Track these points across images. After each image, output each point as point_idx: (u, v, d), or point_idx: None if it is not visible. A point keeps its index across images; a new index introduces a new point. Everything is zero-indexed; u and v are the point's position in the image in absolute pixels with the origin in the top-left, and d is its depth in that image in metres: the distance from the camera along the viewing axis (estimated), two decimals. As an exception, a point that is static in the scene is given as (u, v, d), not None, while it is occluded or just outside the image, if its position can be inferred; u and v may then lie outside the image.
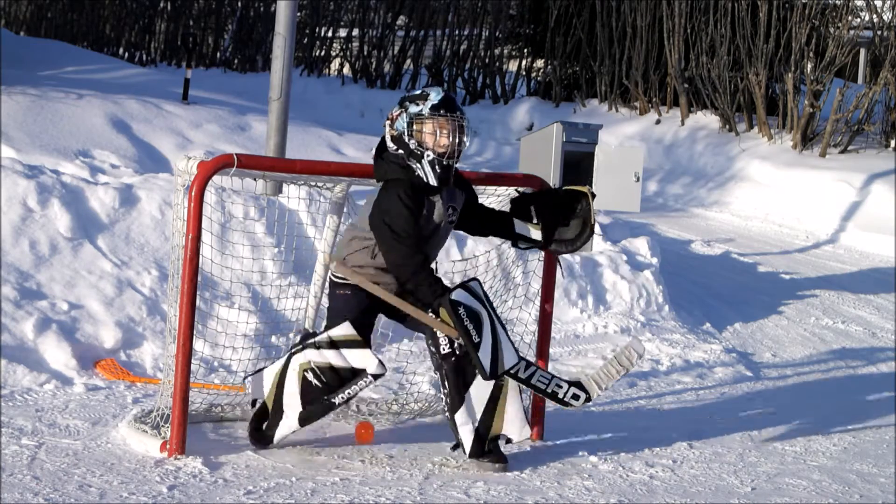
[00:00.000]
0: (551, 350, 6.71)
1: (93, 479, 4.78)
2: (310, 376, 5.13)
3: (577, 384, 5.33)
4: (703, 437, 6.10)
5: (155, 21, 25.34)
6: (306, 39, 22.35)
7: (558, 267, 5.96)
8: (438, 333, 5.20)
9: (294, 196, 7.19)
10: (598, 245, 9.25)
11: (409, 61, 21.09)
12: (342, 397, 5.13)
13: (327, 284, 5.47)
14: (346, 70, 22.19)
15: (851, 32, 15.27)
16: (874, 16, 16.02)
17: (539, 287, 6.05)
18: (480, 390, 5.26)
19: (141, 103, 11.79)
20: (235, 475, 4.95)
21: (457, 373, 5.23)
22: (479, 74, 19.99)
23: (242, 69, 22.94)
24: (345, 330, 5.15)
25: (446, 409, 5.29)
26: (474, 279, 5.24)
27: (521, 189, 5.77)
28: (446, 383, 5.26)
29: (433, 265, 5.34)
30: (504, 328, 5.20)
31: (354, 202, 6.16)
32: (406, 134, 5.14)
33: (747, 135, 15.54)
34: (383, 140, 5.28)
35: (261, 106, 12.69)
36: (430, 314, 5.17)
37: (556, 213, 5.48)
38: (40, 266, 7.00)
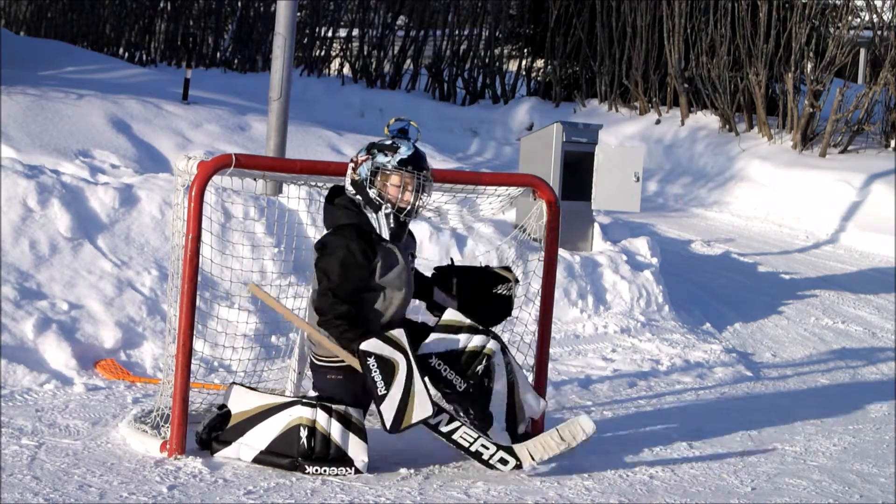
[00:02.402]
0: (551, 350, 6.71)
1: (93, 479, 4.78)
2: (302, 433, 5.02)
3: (508, 449, 5.16)
4: (703, 437, 6.10)
5: (155, 21, 25.34)
6: (306, 39, 22.35)
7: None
8: (449, 375, 5.14)
9: (294, 196, 7.19)
10: (598, 245, 9.26)
11: (409, 61, 21.08)
12: (316, 471, 5.00)
13: (310, 363, 5.35)
14: (346, 70, 22.19)
15: (851, 32, 15.27)
16: (874, 16, 16.02)
17: (539, 287, 6.05)
18: (500, 391, 5.27)
19: (141, 103, 11.79)
20: (235, 475, 4.95)
21: (478, 398, 5.22)
22: (479, 74, 19.99)
23: (242, 69, 22.93)
24: (359, 416, 5.12)
25: (474, 437, 5.18)
26: (400, 329, 5.08)
27: (452, 257, 5.73)
28: (471, 410, 5.25)
29: (406, 311, 5.32)
30: (424, 378, 5.03)
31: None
32: (367, 182, 5.12)
33: (747, 135, 15.54)
34: (335, 187, 5.28)
35: (261, 106, 12.69)
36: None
37: (476, 291, 5.47)
38: (40, 266, 7.01)
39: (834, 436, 6.37)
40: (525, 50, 20.07)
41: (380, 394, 4.96)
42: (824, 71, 14.88)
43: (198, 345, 5.64)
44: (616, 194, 9.31)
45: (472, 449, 5.12)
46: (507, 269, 5.62)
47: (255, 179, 5.75)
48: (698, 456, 5.76)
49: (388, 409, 4.97)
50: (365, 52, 21.54)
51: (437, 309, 5.47)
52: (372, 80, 21.06)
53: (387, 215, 5.13)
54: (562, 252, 8.50)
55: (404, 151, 5.12)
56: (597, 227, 9.38)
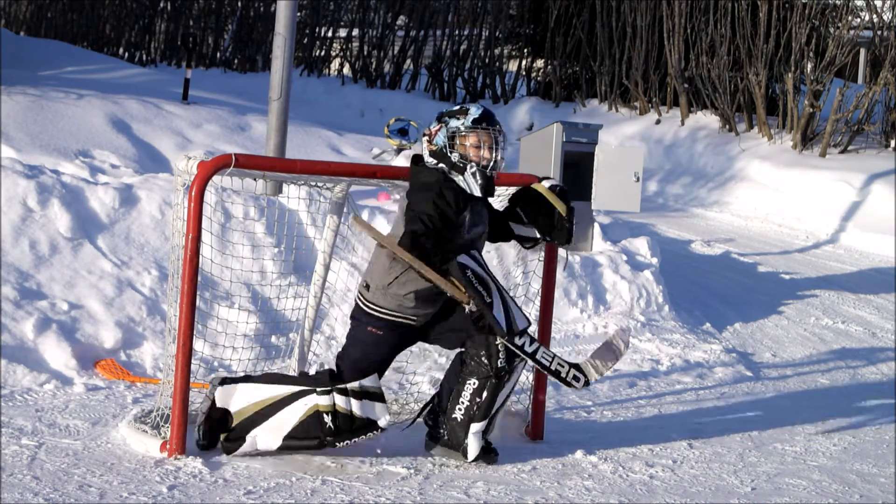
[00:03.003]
0: (551, 350, 6.70)
1: (93, 479, 4.78)
2: (326, 419, 5.10)
3: (577, 367, 5.36)
4: (703, 437, 6.10)
5: (155, 21, 25.36)
6: (306, 39, 22.36)
7: (562, 262, 6.02)
8: (500, 348, 5.19)
9: (294, 196, 7.19)
10: (598, 245, 9.25)
11: (409, 61, 21.09)
12: (346, 444, 5.14)
13: (355, 309, 5.34)
14: (346, 70, 22.19)
15: (851, 32, 15.28)
16: (874, 16, 16.02)
17: (539, 287, 6.05)
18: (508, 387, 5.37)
19: (141, 103, 11.79)
20: (235, 475, 4.95)
21: (497, 390, 5.27)
22: (479, 74, 20.00)
23: (242, 69, 22.95)
24: (373, 382, 5.17)
25: (462, 414, 5.28)
26: (474, 249, 5.21)
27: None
28: (484, 394, 5.26)
29: None
30: (510, 296, 5.23)
31: (354, 202, 6.16)
32: (447, 147, 5.22)
33: (747, 135, 15.54)
34: (417, 156, 5.34)
35: (261, 106, 12.69)
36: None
37: (544, 211, 5.51)
38: (40, 266, 7.00)
39: (834, 436, 6.37)
40: (525, 50, 20.08)
41: (487, 301, 5.09)
42: (824, 71, 14.88)
43: (198, 345, 5.64)
44: (616, 194, 9.30)
45: (552, 367, 5.30)
46: (540, 180, 5.61)
47: (255, 179, 5.75)
48: (698, 456, 5.76)
49: (499, 312, 5.12)
50: (365, 52, 21.54)
51: (526, 241, 5.61)
52: (372, 80, 21.06)
53: (473, 174, 5.22)
54: (561, 252, 8.48)
55: (475, 111, 5.27)
56: (597, 227, 9.37)
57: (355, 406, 5.12)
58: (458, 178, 5.21)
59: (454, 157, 5.21)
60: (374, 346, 5.23)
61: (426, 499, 4.85)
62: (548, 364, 5.29)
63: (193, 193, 5.10)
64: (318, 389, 5.15)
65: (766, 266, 11.10)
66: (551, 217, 5.49)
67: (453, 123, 5.24)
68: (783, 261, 11.58)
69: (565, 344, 8.00)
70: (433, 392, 6.42)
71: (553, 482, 5.15)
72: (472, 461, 5.29)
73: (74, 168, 9.59)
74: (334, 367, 5.31)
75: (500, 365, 5.22)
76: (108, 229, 7.49)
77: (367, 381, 5.16)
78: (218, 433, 5.21)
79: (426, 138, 5.29)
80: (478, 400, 5.27)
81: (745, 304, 9.58)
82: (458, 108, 5.31)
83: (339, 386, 5.14)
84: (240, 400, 5.20)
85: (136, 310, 6.96)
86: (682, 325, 8.70)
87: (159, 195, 7.80)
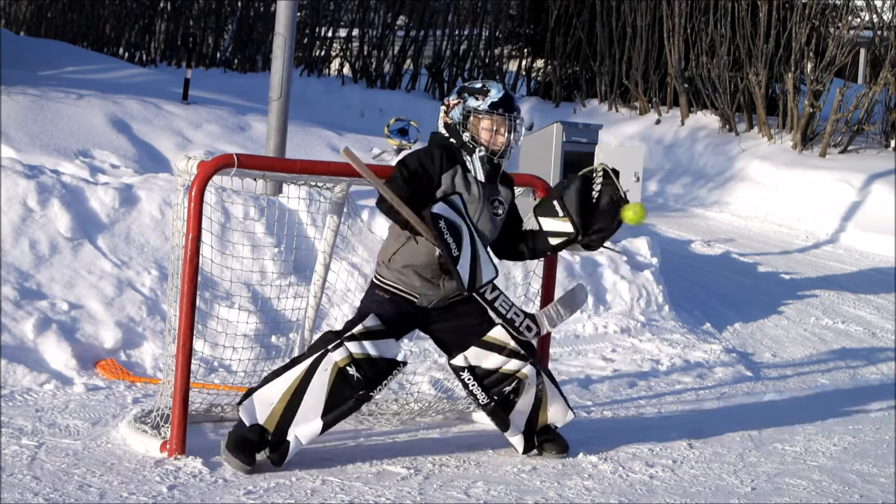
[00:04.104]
0: (551, 350, 6.71)
1: (93, 479, 4.78)
2: (351, 371, 5.02)
3: (532, 317, 5.33)
4: (703, 437, 6.10)
5: (155, 21, 25.35)
6: (306, 39, 22.36)
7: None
8: (474, 390, 5.27)
9: (294, 196, 7.19)
10: (598, 245, 9.24)
11: (409, 61, 21.09)
12: (380, 390, 5.10)
13: (368, 285, 5.41)
14: (346, 70, 22.20)
15: (851, 32, 15.28)
16: (874, 16, 16.02)
17: (539, 287, 6.05)
18: (523, 405, 5.38)
19: (141, 103, 11.79)
20: (235, 475, 4.95)
21: (497, 410, 5.34)
22: (479, 74, 19.99)
23: (242, 69, 22.94)
24: (374, 321, 5.13)
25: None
26: (455, 193, 5.14)
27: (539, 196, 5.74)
28: (489, 418, 5.44)
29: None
30: (483, 243, 5.16)
31: (354, 202, 6.16)
32: (460, 125, 5.20)
33: (747, 135, 15.55)
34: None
35: (261, 106, 12.69)
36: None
37: (582, 202, 5.37)
38: (40, 266, 7.00)
39: (834, 436, 6.37)
40: (525, 50, 20.09)
41: (454, 255, 5.04)
42: (824, 71, 14.89)
43: (198, 345, 5.64)
44: (616, 194, 9.29)
45: (508, 316, 5.27)
46: (592, 170, 5.52)
47: (255, 179, 5.75)
48: (698, 456, 5.76)
49: (463, 268, 5.07)
50: (365, 52, 21.54)
51: (553, 237, 5.42)
52: (372, 80, 21.06)
53: (481, 157, 5.20)
54: (562, 252, 8.49)
55: (495, 94, 5.19)
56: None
57: (370, 348, 5.06)
58: (466, 158, 5.21)
59: (465, 136, 5.19)
60: (377, 305, 5.24)
61: (426, 499, 4.85)
62: (504, 313, 5.25)
63: (193, 193, 5.10)
64: (328, 347, 5.08)
65: (766, 266, 11.10)
66: (584, 216, 5.34)
67: (471, 102, 5.19)
68: (783, 261, 11.58)
69: (565, 344, 8.00)
70: (433, 392, 6.45)
71: (553, 482, 5.15)
72: (523, 454, 5.46)
73: (74, 168, 9.59)
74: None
75: (483, 402, 5.29)
76: (108, 229, 7.49)
77: (368, 321, 5.12)
78: (261, 450, 5.04)
79: (444, 108, 5.26)
80: (492, 418, 5.42)
81: (745, 304, 9.58)
82: (480, 85, 5.24)
83: (346, 335, 5.09)
84: (262, 408, 5.06)
85: (136, 310, 6.96)
86: (682, 325, 8.70)
87: (159, 195, 7.80)
